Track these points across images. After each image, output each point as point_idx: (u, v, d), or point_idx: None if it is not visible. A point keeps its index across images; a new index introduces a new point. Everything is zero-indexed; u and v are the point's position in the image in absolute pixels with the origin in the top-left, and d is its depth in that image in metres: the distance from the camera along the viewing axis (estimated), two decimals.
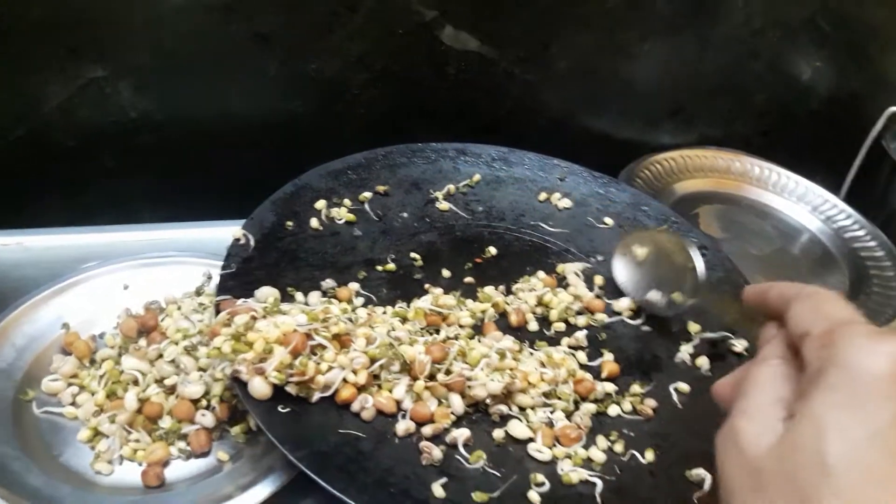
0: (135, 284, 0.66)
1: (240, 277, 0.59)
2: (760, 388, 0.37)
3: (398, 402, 0.53)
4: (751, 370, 0.39)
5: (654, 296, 0.63)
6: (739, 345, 0.62)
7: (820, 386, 0.33)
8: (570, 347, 0.62)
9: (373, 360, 0.53)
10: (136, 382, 0.57)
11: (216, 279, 0.60)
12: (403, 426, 0.52)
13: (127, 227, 0.75)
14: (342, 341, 0.53)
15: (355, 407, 0.52)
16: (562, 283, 0.68)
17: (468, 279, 0.67)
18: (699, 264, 0.60)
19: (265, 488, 0.52)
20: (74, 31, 0.71)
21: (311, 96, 0.81)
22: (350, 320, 0.55)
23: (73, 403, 0.57)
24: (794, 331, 0.37)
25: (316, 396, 0.52)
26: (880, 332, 0.33)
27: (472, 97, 0.85)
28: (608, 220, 0.74)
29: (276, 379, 0.50)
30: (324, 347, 0.52)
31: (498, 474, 0.51)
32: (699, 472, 0.52)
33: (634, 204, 0.76)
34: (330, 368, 0.52)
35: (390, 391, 0.53)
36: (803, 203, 0.94)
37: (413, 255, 0.68)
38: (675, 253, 0.62)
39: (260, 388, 0.50)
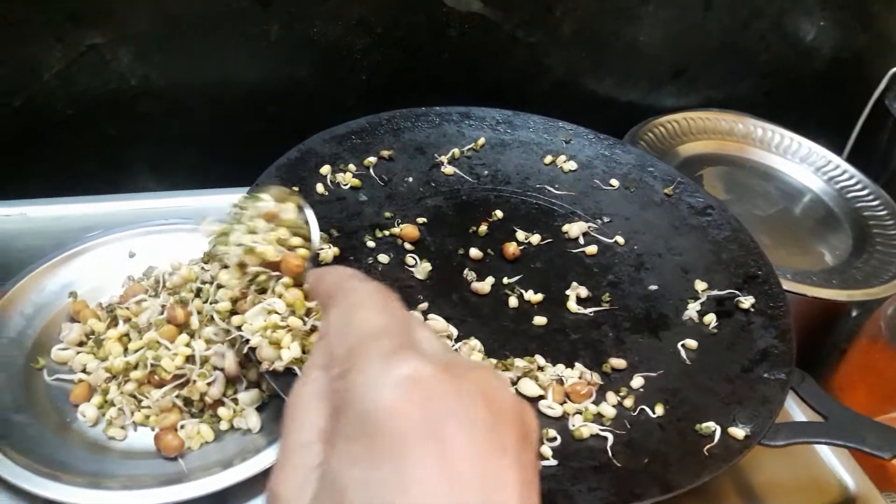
0: (140, 252, 0.65)
1: None
2: (296, 423, 0.29)
3: None
4: (293, 390, 0.30)
5: None
6: (747, 301, 0.62)
7: (339, 434, 0.27)
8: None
9: None
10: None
11: None
12: None
13: (131, 196, 0.75)
14: None
15: None
16: (569, 243, 0.68)
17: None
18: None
19: (275, 451, 0.52)
20: None
21: (313, 61, 0.80)
22: None
23: (84, 370, 0.57)
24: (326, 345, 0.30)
25: None
26: (400, 349, 0.27)
27: (475, 60, 0.85)
28: (614, 182, 0.74)
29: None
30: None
31: None
32: (709, 426, 0.53)
33: (640, 165, 0.76)
34: None
35: None
36: (806, 164, 0.94)
37: (419, 219, 0.68)
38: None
39: (269, 353, 0.50)
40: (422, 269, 0.63)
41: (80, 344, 0.58)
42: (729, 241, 0.68)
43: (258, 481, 0.51)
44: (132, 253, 0.65)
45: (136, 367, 0.55)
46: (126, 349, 0.56)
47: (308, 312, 0.53)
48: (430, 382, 0.26)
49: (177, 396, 0.54)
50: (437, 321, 0.58)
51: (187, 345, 0.55)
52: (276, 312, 0.52)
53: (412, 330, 0.30)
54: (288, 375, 0.51)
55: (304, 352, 0.51)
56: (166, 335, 0.55)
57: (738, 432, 0.52)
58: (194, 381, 0.54)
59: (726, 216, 0.70)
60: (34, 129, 0.76)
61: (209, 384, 0.54)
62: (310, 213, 0.55)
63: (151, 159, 0.81)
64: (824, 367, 0.83)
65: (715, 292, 0.64)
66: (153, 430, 0.54)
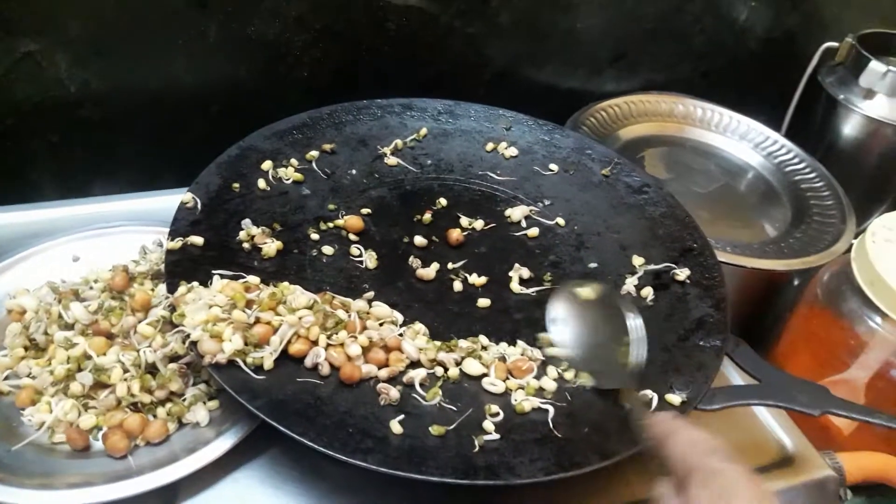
0: (85, 256, 0.65)
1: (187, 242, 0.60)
2: None
3: (349, 357, 0.54)
4: None
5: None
6: (682, 273, 0.64)
7: None
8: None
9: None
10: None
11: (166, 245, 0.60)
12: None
13: (74, 201, 0.74)
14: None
15: (308, 362, 0.53)
16: (511, 227, 0.70)
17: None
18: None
19: (226, 441, 0.53)
20: (5, 2, 0.69)
21: (253, 59, 0.80)
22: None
23: (30, 375, 0.57)
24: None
25: (269, 360, 0.52)
26: None
27: (414, 52, 0.86)
28: (553, 166, 0.76)
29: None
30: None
31: (454, 408, 0.53)
32: (646, 394, 0.54)
33: (578, 148, 0.77)
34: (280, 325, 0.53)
35: (342, 345, 0.54)
36: (745, 141, 0.96)
37: (364, 210, 0.69)
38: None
39: (210, 346, 0.51)
40: (370, 258, 0.64)
41: (25, 349, 0.58)
42: (665, 217, 0.70)
43: (207, 473, 0.52)
44: (76, 257, 0.65)
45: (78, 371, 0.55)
46: (68, 357, 0.56)
47: (249, 304, 0.54)
48: None
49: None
50: (380, 307, 0.58)
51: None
52: (217, 306, 0.53)
53: None
54: (231, 368, 0.51)
55: (245, 344, 0.52)
56: (95, 347, 0.55)
57: (675, 398, 0.54)
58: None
59: (662, 193, 0.72)
60: None
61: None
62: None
63: (95, 164, 0.81)
64: (769, 335, 0.85)
65: (651, 266, 0.66)
66: (100, 429, 0.54)
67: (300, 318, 0.54)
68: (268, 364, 0.52)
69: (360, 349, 0.54)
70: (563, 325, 0.58)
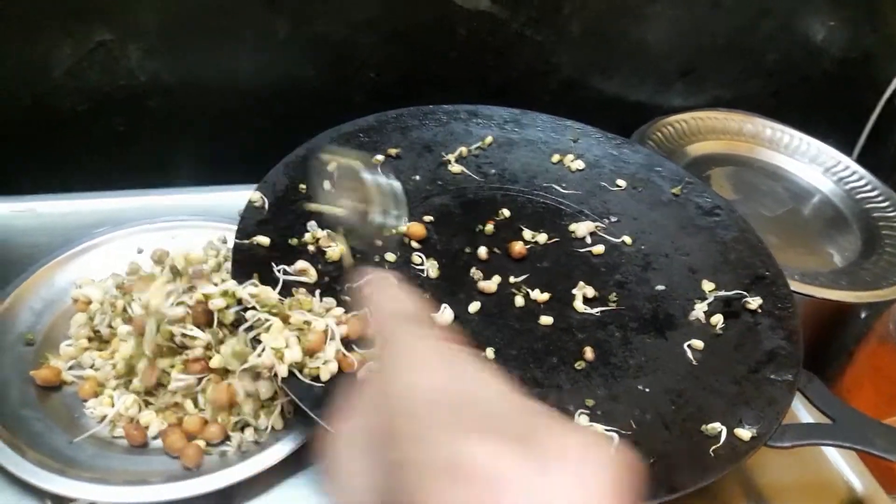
0: (148, 248, 0.65)
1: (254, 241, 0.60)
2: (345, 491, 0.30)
3: None
4: (334, 441, 0.31)
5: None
6: (754, 302, 0.62)
7: None
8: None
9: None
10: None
11: (230, 242, 0.60)
12: None
13: (139, 192, 0.75)
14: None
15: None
16: (576, 242, 0.68)
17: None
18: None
19: (285, 446, 0.52)
20: None
21: (320, 59, 0.80)
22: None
23: (93, 366, 0.57)
24: None
25: (325, 371, 0.52)
26: (468, 433, 0.26)
27: (483, 59, 0.85)
28: (621, 182, 0.74)
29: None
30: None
31: None
32: (714, 426, 0.52)
33: (648, 165, 0.75)
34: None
35: None
36: (815, 164, 0.93)
37: (426, 217, 0.68)
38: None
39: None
40: (431, 266, 0.63)
41: (90, 340, 0.58)
42: (737, 241, 0.68)
43: (263, 478, 0.52)
44: (140, 249, 0.66)
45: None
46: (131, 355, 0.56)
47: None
48: (511, 480, 0.23)
49: (184, 396, 0.54)
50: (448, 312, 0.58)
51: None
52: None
53: (475, 392, 0.27)
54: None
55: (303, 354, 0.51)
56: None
57: (745, 433, 0.52)
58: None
59: (734, 216, 0.70)
60: (43, 126, 0.77)
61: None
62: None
63: (160, 156, 0.81)
64: (832, 368, 0.82)
65: (722, 293, 0.63)
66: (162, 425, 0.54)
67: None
68: (324, 376, 0.51)
69: None
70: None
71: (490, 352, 0.58)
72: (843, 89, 1.00)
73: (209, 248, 0.63)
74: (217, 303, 0.52)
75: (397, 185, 0.52)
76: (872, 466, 0.62)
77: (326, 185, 0.67)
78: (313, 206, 0.62)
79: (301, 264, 0.58)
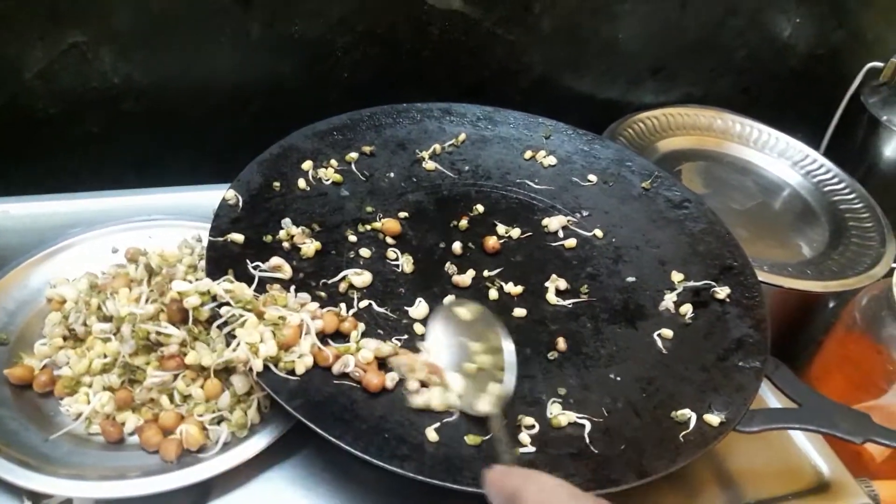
0: (123, 248, 0.66)
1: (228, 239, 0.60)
2: None
3: (377, 359, 0.54)
4: None
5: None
6: (722, 292, 0.63)
7: None
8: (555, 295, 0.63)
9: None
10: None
11: (205, 241, 0.60)
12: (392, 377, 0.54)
13: (113, 193, 0.75)
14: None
15: (336, 370, 0.53)
16: (548, 236, 0.69)
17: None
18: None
19: (262, 439, 0.53)
20: None
21: (295, 59, 0.81)
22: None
23: (67, 365, 0.57)
24: None
25: (301, 365, 0.52)
26: None
27: (455, 58, 0.85)
28: (592, 177, 0.75)
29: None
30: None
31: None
32: (684, 413, 0.54)
33: (618, 160, 0.77)
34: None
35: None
36: (784, 158, 0.95)
37: (401, 213, 0.69)
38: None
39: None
40: (406, 262, 0.64)
41: (64, 338, 0.58)
42: (705, 233, 0.69)
43: (240, 472, 0.52)
44: (115, 249, 0.66)
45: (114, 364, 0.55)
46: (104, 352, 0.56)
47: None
48: None
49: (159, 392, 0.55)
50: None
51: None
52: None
53: None
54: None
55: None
56: None
57: (714, 419, 0.54)
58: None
59: (703, 209, 0.71)
60: (17, 127, 0.76)
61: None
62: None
63: (134, 156, 0.81)
64: (802, 356, 0.84)
65: (691, 283, 0.65)
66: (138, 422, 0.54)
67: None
68: (300, 369, 0.52)
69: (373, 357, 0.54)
70: (440, 344, 0.56)
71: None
72: (811, 85, 1.02)
73: (184, 246, 0.63)
74: (192, 301, 0.52)
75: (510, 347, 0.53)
76: (839, 450, 0.63)
77: (301, 183, 0.67)
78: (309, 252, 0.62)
79: (276, 261, 0.59)
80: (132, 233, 0.67)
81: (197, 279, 0.55)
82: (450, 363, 0.54)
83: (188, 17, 0.75)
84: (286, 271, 0.59)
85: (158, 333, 0.53)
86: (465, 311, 0.56)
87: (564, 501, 0.36)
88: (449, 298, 0.60)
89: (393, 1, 0.79)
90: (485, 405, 0.51)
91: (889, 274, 0.76)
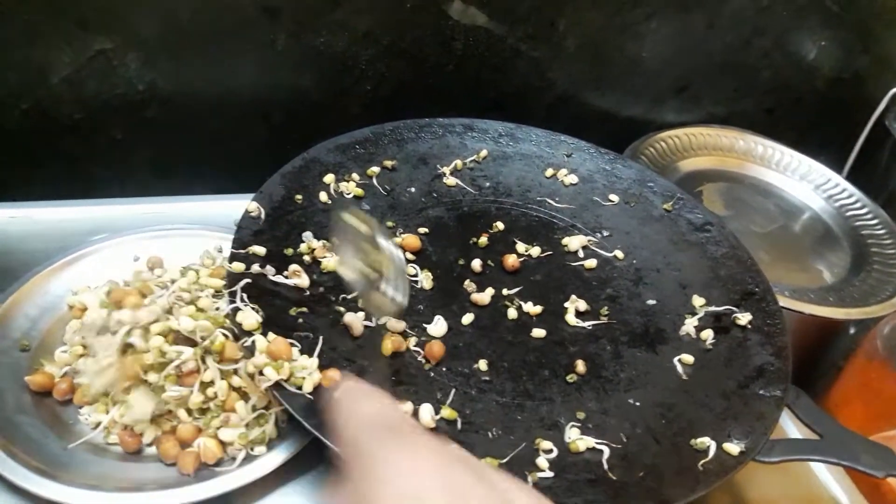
0: (145, 256, 0.66)
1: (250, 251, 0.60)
2: None
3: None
4: None
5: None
6: (744, 318, 0.63)
7: None
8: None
9: None
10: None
11: (226, 252, 0.60)
12: None
13: (135, 200, 0.75)
14: None
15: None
16: (568, 256, 0.69)
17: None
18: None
19: (279, 454, 0.52)
20: (82, 2, 0.71)
21: (319, 71, 0.81)
22: None
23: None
24: None
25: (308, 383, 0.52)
26: None
27: (479, 73, 0.86)
28: (614, 196, 0.75)
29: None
30: None
31: (508, 440, 0.52)
32: (704, 441, 0.53)
33: (640, 180, 0.76)
34: None
35: None
36: (806, 181, 0.94)
37: (421, 229, 0.68)
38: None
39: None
40: (425, 278, 0.64)
41: (85, 346, 0.58)
42: (727, 257, 0.69)
43: (257, 486, 0.52)
44: (136, 257, 0.66)
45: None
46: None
47: None
48: None
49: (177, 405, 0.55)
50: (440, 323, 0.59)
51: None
52: None
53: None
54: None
55: None
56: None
57: (733, 448, 0.53)
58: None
59: (725, 232, 0.71)
60: (41, 132, 0.77)
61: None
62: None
63: (157, 164, 0.82)
64: (821, 384, 0.83)
65: (712, 308, 0.64)
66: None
67: None
68: (307, 387, 0.52)
69: None
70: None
71: (483, 363, 0.58)
72: (835, 108, 1.01)
73: (205, 256, 0.63)
74: (188, 327, 0.53)
75: (400, 255, 0.53)
76: (859, 482, 0.62)
77: (323, 196, 0.68)
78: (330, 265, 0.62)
79: (294, 267, 0.59)
80: (154, 241, 0.67)
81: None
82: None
83: (215, 26, 0.76)
84: (303, 279, 0.59)
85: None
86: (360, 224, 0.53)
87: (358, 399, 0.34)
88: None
89: (418, 16, 0.79)
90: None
91: None
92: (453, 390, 0.55)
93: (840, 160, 1.00)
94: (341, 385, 0.36)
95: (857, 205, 0.92)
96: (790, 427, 0.64)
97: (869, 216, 0.90)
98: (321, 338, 0.55)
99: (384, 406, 0.33)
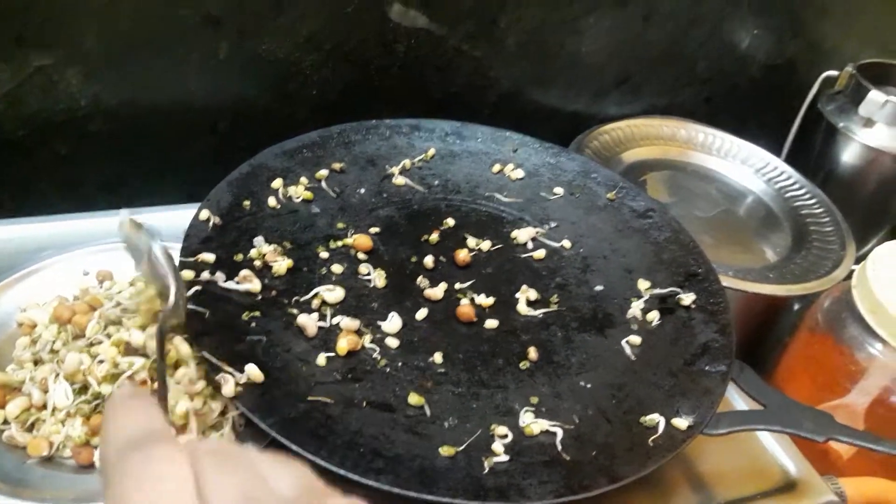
0: (94, 270, 0.66)
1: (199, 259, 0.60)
2: None
3: None
4: None
5: None
6: (687, 298, 0.65)
7: None
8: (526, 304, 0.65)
9: None
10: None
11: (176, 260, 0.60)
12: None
13: (83, 215, 0.74)
14: None
15: None
16: (518, 248, 0.71)
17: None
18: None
19: None
20: (18, 18, 0.70)
21: (264, 78, 0.81)
22: None
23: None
24: None
25: None
26: None
27: (423, 74, 0.87)
28: (559, 189, 0.77)
29: None
30: None
31: (464, 428, 0.53)
32: (653, 418, 0.55)
33: (584, 172, 0.78)
34: None
35: None
36: (746, 166, 0.98)
37: (372, 229, 0.69)
38: None
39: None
40: (378, 276, 0.65)
41: (35, 363, 0.58)
42: (670, 241, 0.71)
43: None
44: (86, 272, 0.66)
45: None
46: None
47: None
48: None
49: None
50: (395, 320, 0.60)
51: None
52: None
53: None
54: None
55: None
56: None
57: (682, 423, 0.55)
58: None
59: (667, 218, 0.73)
60: None
61: None
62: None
63: (103, 178, 0.81)
64: (769, 360, 0.86)
65: (657, 290, 0.66)
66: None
67: None
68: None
69: None
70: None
71: (438, 356, 0.59)
72: (770, 94, 1.05)
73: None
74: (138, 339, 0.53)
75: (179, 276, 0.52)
76: (806, 449, 0.64)
77: (272, 201, 0.68)
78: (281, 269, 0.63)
79: (244, 272, 0.59)
80: (103, 255, 0.67)
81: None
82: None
83: (156, 37, 0.76)
84: (255, 284, 0.60)
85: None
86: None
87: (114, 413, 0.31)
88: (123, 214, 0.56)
89: (359, 20, 0.80)
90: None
91: (849, 277, 0.79)
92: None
93: (778, 144, 1.04)
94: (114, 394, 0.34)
95: (796, 186, 0.95)
96: (737, 401, 0.66)
97: (807, 196, 0.94)
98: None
99: (137, 417, 0.30)
